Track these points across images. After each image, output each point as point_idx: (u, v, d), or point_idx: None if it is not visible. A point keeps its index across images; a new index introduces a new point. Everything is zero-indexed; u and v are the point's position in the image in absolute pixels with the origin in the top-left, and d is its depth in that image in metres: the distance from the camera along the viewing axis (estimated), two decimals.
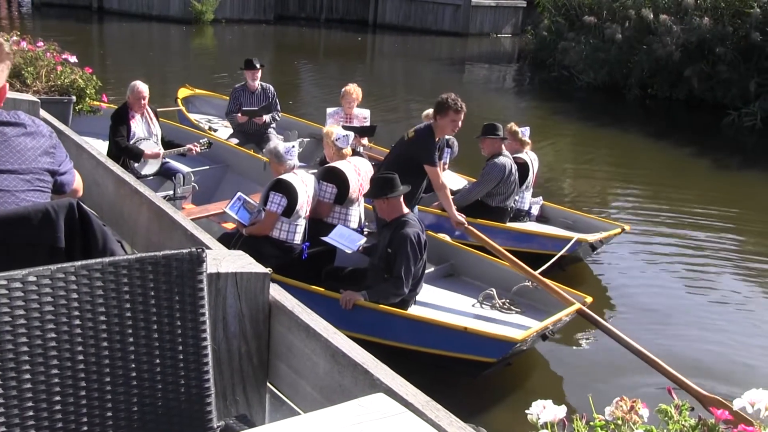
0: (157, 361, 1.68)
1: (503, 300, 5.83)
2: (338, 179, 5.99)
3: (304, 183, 5.77)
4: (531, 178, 7.71)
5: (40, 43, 7.36)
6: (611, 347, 5.55)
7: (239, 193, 6.07)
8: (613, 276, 7.53)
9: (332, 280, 5.60)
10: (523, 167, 7.54)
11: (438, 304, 5.81)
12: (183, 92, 10.68)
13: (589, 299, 5.62)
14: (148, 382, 1.66)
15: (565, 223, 7.73)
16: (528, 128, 7.88)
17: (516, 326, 5.45)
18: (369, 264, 5.58)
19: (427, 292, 5.93)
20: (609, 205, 10.06)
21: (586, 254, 7.44)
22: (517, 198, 7.56)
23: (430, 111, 8.05)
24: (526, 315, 5.69)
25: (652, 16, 17.29)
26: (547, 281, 5.77)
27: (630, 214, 9.58)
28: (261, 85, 9.09)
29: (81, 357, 1.58)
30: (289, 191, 5.61)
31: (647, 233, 8.84)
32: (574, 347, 6.05)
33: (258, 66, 8.97)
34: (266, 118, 8.89)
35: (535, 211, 7.86)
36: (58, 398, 1.55)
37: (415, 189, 6.10)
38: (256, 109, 8.83)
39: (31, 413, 1.51)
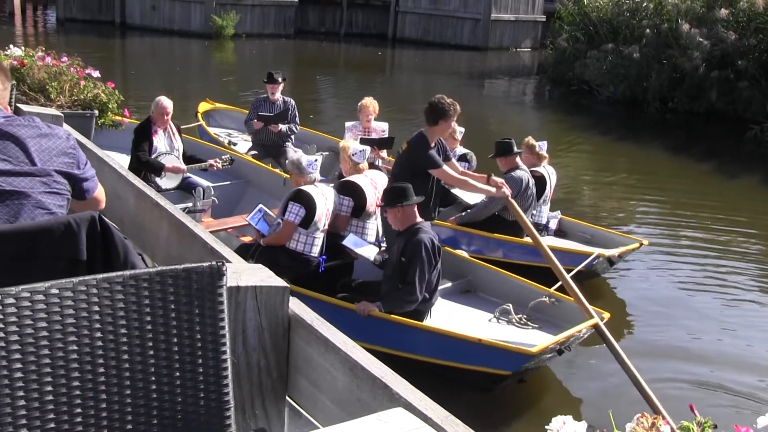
0: (177, 374, 1.68)
1: (520, 315, 5.79)
2: (354, 193, 6.01)
3: (324, 196, 5.78)
4: (548, 191, 7.68)
5: (64, 59, 7.46)
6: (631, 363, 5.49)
7: (260, 205, 6.12)
8: (631, 291, 7.46)
9: (347, 292, 5.60)
10: (540, 181, 7.50)
11: (453, 319, 5.77)
12: (204, 106, 10.76)
13: (606, 315, 5.55)
14: (167, 395, 1.67)
15: (583, 238, 7.68)
16: (545, 143, 7.85)
17: (532, 341, 5.40)
18: (383, 276, 5.57)
19: (443, 307, 5.91)
20: (629, 219, 9.99)
21: (604, 269, 7.38)
22: (534, 212, 7.51)
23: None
24: (543, 330, 5.65)
25: (687, 27, 17.08)
26: (575, 287, 5.59)
27: (650, 228, 9.50)
28: (283, 98, 9.18)
29: (102, 369, 1.60)
30: (308, 202, 5.62)
31: (668, 248, 8.75)
32: (594, 362, 5.99)
33: (279, 80, 9.06)
34: (282, 127, 8.94)
35: (553, 225, 7.82)
36: (79, 410, 1.56)
37: (426, 200, 6.04)
38: (272, 115, 8.91)
39: (52, 425, 1.52)
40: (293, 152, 8.77)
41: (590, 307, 5.52)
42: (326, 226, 5.82)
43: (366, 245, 5.86)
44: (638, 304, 7.13)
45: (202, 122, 10.09)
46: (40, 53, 7.39)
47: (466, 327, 5.59)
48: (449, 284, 6.26)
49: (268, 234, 5.84)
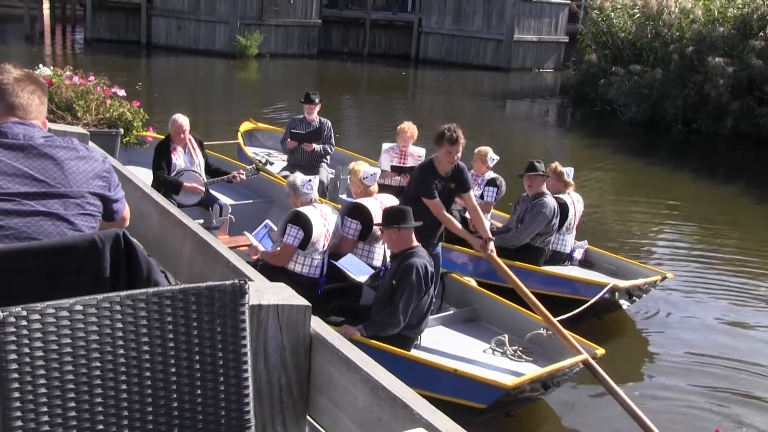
0: (199, 391, 1.69)
1: (515, 347, 5.60)
2: (362, 216, 5.92)
3: (323, 216, 5.75)
4: (573, 220, 7.43)
5: (91, 78, 7.56)
6: (656, 395, 5.33)
7: (267, 221, 6.12)
8: (650, 327, 7.15)
9: (339, 314, 5.47)
10: (563, 208, 7.27)
11: (447, 348, 5.60)
12: (245, 126, 10.78)
13: (600, 351, 5.34)
14: (189, 413, 1.68)
15: (609, 269, 7.41)
16: (572, 169, 7.65)
17: (516, 373, 5.18)
18: (374, 299, 5.48)
19: (441, 335, 5.79)
20: (657, 249, 9.70)
21: (624, 302, 7.03)
22: (552, 239, 7.28)
23: (482, 149, 8.00)
24: (536, 363, 5.43)
25: (717, 61, 16.88)
26: (560, 327, 5.50)
27: (679, 258, 9.23)
28: (319, 119, 9.15)
29: (124, 386, 1.60)
30: (305, 223, 5.60)
31: (696, 280, 8.38)
32: (608, 398, 5.79)
33: (316, 101, 9.05)
34: (316, 147, 8.87)
35: (578, 255, 7.55)
36: (101, 426, 1.57)
37: (429, 225, 5.89)
38: (304, 133, 8.89)
39: None
40: (326, 171, 8.78)
41: (577, 344, 5.35)
42: (326, 247, 5.76)
43: (358, 266, 5.68)
44: (655, 341, 6.84)
45: (240, 141, 10.12)
46: (68, 72, 7.51)
47: (455, 358, 5.41)
48: (452, 311, 6.15)
49: (270, 251, 5.82)
